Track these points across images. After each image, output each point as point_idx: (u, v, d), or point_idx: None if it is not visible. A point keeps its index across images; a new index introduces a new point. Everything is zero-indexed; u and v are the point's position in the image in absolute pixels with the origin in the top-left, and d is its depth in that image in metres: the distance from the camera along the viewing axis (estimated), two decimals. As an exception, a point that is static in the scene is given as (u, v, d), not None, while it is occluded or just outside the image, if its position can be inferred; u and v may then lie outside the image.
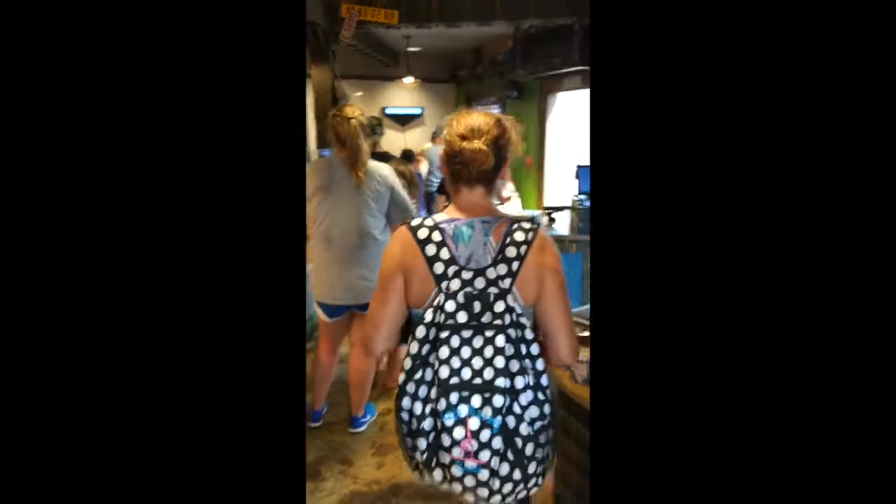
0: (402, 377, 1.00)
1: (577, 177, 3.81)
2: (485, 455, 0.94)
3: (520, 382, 0.96)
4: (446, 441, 0.94)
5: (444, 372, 0.95)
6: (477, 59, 6.39)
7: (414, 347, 0.99)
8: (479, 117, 1.06)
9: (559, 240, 2.95)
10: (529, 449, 0.98)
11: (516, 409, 0.96)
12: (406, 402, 0.99)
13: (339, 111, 2.09)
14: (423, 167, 4.76)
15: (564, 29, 4.21)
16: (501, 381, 0.94)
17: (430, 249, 1.02)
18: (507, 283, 0.99)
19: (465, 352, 0.96)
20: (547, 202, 5.17)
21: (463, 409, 0.94)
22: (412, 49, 6.03)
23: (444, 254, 1.02)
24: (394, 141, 6.48)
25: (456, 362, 0.95)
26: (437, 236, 1.03)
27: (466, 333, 0.96)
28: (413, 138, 7.06)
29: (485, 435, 0.93)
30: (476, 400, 0.94)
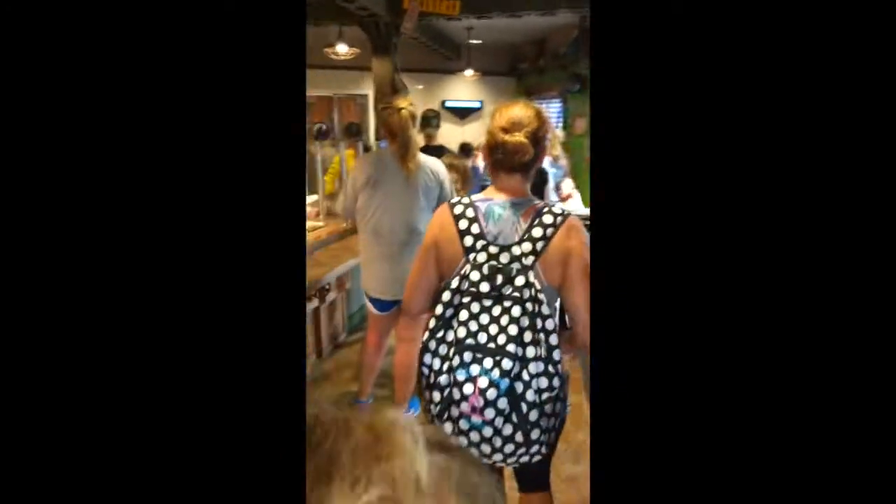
0: (426, 335, 1.12)
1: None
2: (489, 413, 1.02)
3: (531, 352, 1.05)
4: (456, 395, 1.04)
5: (461, 332, 1.07)
6: (539, 51, 6.24)
7: (438, 309, 1.11)
8: (521, 110, 1.13)
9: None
10: (534, 415, 1.05)
11: (525, 376, 1.04)
12: (427, 357, 1.11)
13: (390, 102, 2.06)
14: (481, 161, 4.70)
15: (633, 18, 3.99)
16: (512, 348, 1.04)
17: (463, 224, 1.14)
18: (529, 260, 1.08)
19: (484, 318, 1.07)
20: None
21: (475, 368, 1.04)
22: (473, 42, 5.96)
23: (475, 229, 1.13)
24: (452, 134, 6.44)
25: (473, 326, 1.07)
26: (470, 212, 1.14)
27: (487, 302, 1.07)
28: (472, 132, 6.99)
29: (491, 394, 1.02)
30: (488, 362, 1.04)
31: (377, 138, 4.35)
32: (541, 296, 1.06)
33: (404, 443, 0.29)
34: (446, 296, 1.10)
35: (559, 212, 1.12)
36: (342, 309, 3.07)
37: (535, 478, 1.25)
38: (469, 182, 2.81)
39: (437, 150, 3.22)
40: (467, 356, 1.05)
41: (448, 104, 7.24)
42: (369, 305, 2.20)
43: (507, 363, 1.03)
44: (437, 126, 3.71)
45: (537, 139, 1.12)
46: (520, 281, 1.06)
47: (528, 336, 1.05)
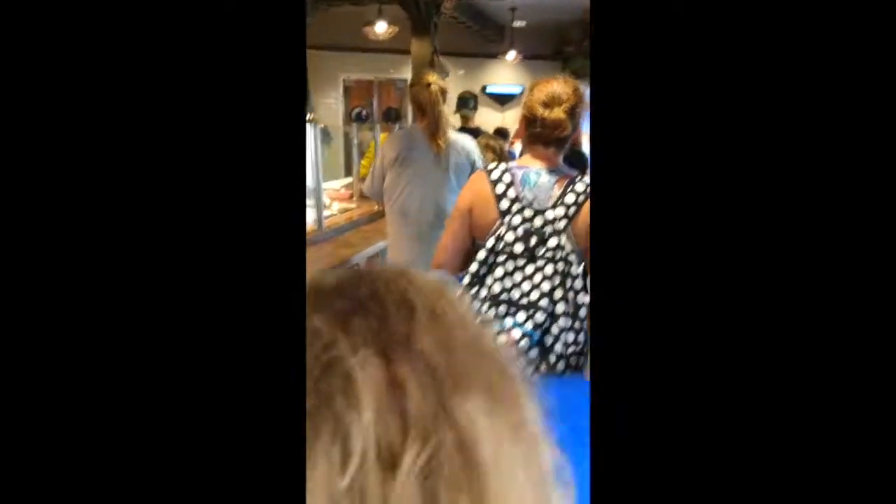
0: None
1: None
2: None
3: (560, 308, 1.13)
4: None
5: (496, 288, 1.16)
6: (585, 33, 6.01)
7: (473, 267, 1.19)
8: (559, 86, 1.19)
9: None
10: (560, 366, 1.14)
11: (554, 330, 1.13)
12: None
13: (419, 78, 1.97)
14: (517, 150, 4.56)
15: (687, -4, 3.77)
16: (544, 303, 1.13)
17: (500, 188, 1.21)
18: (561, 224, 1.16)
19: (517, 276, 1.16)
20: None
21: (509, 321, 1.13)
22: (517, 24, 5.79)
23: (511, 193, 1.20)
24: (492, 122, 6.31)
25: (508, 283, 1.16)
26: (507, 178, 1.21)
27: (520, 262, 1.16)
28: (512, 119, 6.84)
29: (524, 345, 1.11)
30: (521, 315, 1.13)
31: (413, 120, 4.28)
32: (571, 257, 1.15)
33: None
34: (481, 255, 1.19)
35: (590, 181, 1.18)
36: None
37: None
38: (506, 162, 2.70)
39: (472, 133, 3.12)
40: (502, 310, 1.14)
41: (489, 90, 7.10)
42: None
43: (539, 317, 1.13)
44: (474, 108, 3.60)
45: (575, 115, 1.18)
46: (552, 243, 1.15)
47: (558, 293, 1.14)
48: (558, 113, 1.16)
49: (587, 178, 1.19)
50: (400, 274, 0.28)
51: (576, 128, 1.21)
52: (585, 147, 2.31)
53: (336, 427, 0.21)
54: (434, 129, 1.91)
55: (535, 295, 1.14)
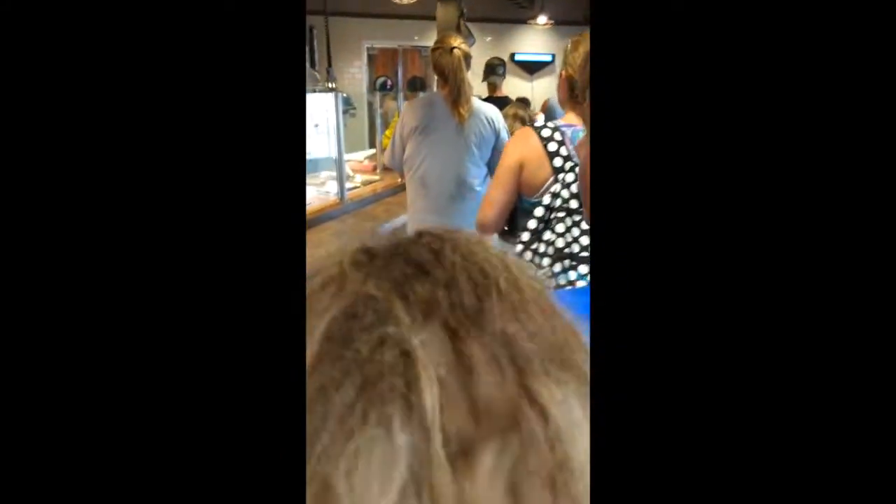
0: (518, 247, 1.23)
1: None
2: None
3: None
4: None
5: (559, 243, 1.20)
6: (620, -3, 5.71)
7: (532, 224, 1.22)
8: None
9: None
10: None
11: None
12: None
13: (441, 42, 1.86)
14: (539, 120, 4.37)
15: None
16: None
17: (552, 146, 1.22)
18: None
19: (575, 231, 1.19)
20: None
21: (572, 274, 1.17)
22: (547, -13, 5.54)
23: (563, 151, 1.21)
24: (520, 90, 6.10)
25: (568, 238, 1.19)
26: (557, 136, 1.23)
27: (577, 217, 1.18)
28: (541, 88, 6.62)
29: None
30: (583, 268, 1.17)
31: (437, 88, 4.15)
32: None
33: None
34: (539, 212, 1.22)
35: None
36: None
37: None
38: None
39: (500, 102, 3.00)
40: (566, 263, 1.19)
41: (517, 58, 6.86)
42: None
43: None
44: (503, 75, 3.46)
45: None
46: None
47: None
48: None
49: None
50: (474, 240, 0.25)
51: None
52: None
53: (387, 412, 0.18)
54: (456, 96, 1.80)
55: None
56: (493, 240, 1.44)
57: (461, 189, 1.85)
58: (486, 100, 3.36)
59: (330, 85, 3.16)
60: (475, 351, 0.20)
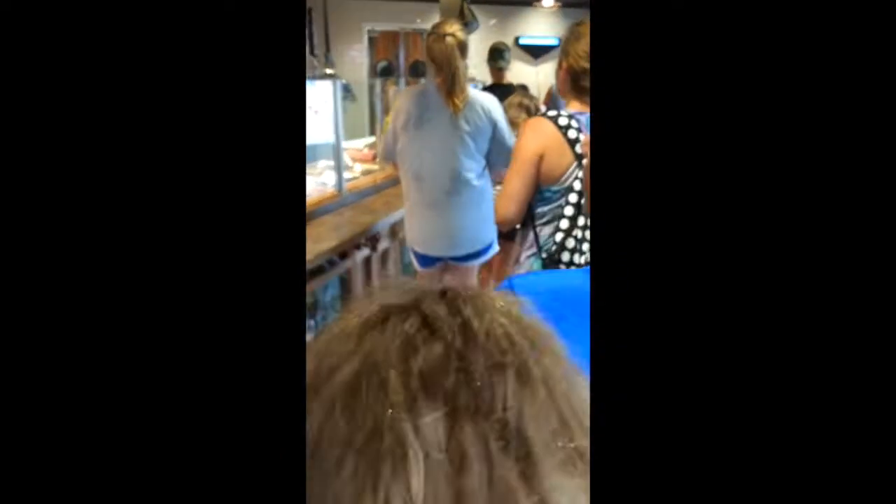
0: (559, 236, 1.25)
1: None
2: None
3: None
4: None
5: None
6: (629, -21, 5.53)
7: (569, 211, 1.25)
8: None
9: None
10: None
11: None
12: (565, 255, 1.25)
13: (435, 28, 1.75)
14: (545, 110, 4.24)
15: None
16: None
17: (572, 133, 1.23)
18: None
19: None
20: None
21: None
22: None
23: (582, 138, 1.22)
24: (525, 75, 5.95)
25: None
26: (574, 123, 1.24)
27: None
28: (546, 73, 6.45)
29: None
30: None
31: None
32: None
33: None
34: (573, 198, 1.23)
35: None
36: (396, 258, 2.92)
37: None
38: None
39: (506, 89, 2.88)
40: None
41: (522, 41, 6.69)
42: (413, 260, 1.99)
43: None
44: (507, 61, 3.33)
45: None
46: None
47: None
48: None
49: None
50: (502, 306, 0.24)
51: None
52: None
53: (380, 495, 0.19)
54: (450, 86, 1.70)
55: None
56: (521, 241, 1.40)
57: (456, 183, 1.75)
58: (490, 87, 3.24)
59: (328, 70, 3.05)
60: (470, 439, 0.20)
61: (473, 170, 1.76)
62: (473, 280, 1.31)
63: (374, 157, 3.35)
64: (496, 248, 1.93)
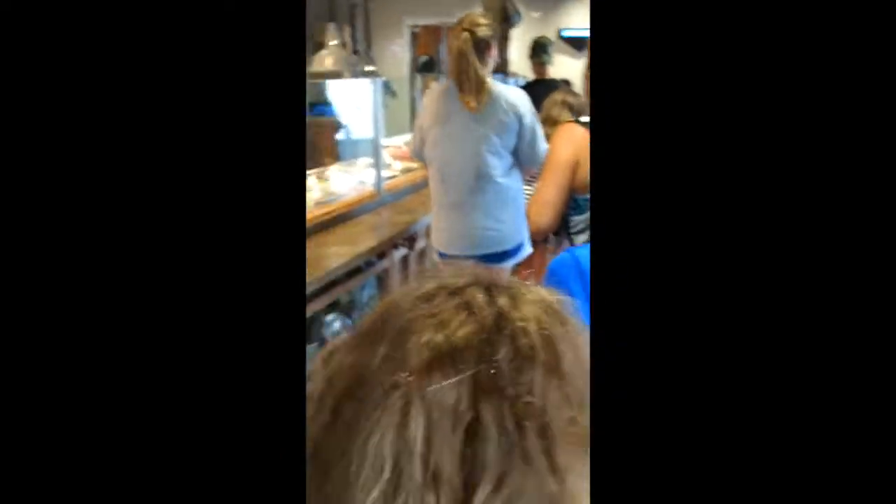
0: None
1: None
2: None
3: None
4: None
5: None
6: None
7: None
8: None
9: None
10: None
11: None
12: None
13: (458, 23, 1.70)
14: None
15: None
16: None
17: None
18: None
19: None
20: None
21: None
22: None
23: None
24: (567, 69, 5.80)
25: None
26: None
27: None
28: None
29: None
30: None
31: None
32: None
33: None
34: None
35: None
36: (433, 256, 2.90)
37: None
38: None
39: (548, 85, 2.79)
40: None
41: (564, 33, 6.52)
42: (437, 259, 1.96)
43: None
44: (551, 55, 3.24)
45: None
46: None
47: None
48: None
49: None
50: (541, 305, 0.25)
51: None
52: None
53: (373, 439, 0.21)
54: (462, 83, 1.64)
55: None
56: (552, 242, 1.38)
57: (481, 181, 1.70)
58: (533, 83, 3.15)
59: (368, 67, 3.04)
60: (489, 412, 0.21)
61: (499, 167, 1.70)
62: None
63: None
64: (528, 249, 1.86)
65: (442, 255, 1.90)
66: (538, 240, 1.43)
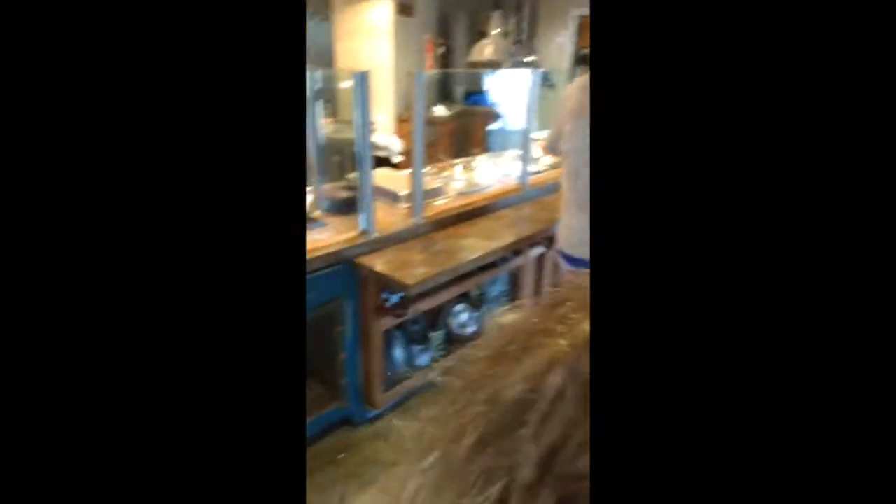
0: None
1: None
2: None
3: None
4: None
5: None
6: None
7: None
8: None
9: None
10: None
11: None
12: None
13: None
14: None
15: None
16: None
17: None
18: None
19: None
20: None
21: None
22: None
23: None
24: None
25: None
26: None
27: None
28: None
29: None
30: None
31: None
32: None
33: None
34: None
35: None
36: (557, 259, 2.77)
37: None
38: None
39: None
40: None
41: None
42: (560, 260, 1.85)
43: None
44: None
45: None
46: None
47: None
48: None
49: None
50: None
51: None
52: None
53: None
54: None
55: None
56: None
57: None
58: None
59: (529, 59, 2.96)
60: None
61: None
62: None
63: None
64: None
65: (566, 256, 1.81)
66: None
